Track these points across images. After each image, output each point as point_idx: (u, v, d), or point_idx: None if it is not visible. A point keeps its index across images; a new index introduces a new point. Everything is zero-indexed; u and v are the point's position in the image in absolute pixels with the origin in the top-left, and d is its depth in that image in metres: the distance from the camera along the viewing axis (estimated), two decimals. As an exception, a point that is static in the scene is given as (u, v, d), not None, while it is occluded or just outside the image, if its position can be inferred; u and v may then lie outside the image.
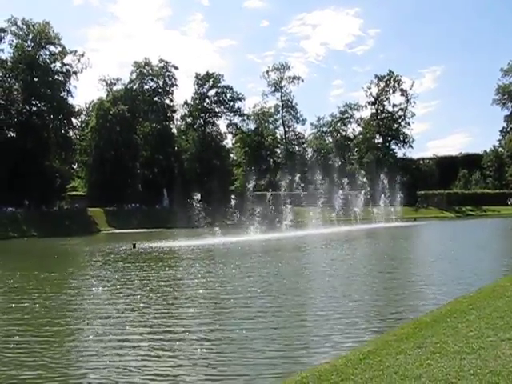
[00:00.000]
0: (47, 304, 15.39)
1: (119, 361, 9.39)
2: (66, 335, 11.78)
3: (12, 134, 79.67)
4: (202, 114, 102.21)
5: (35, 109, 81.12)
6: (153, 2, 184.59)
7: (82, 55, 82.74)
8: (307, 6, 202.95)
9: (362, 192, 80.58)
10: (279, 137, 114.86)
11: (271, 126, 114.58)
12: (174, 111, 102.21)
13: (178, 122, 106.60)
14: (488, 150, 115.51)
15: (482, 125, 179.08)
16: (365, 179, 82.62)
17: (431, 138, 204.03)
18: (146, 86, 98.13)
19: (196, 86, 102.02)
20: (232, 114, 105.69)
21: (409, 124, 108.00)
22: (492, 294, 10.83)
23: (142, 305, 14.81)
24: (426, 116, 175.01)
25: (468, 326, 8.03)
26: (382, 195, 78.04)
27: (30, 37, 78.51)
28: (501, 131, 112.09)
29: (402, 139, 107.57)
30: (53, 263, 29.76)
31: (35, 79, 78.86)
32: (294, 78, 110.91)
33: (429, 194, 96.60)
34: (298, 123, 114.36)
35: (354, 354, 7.45)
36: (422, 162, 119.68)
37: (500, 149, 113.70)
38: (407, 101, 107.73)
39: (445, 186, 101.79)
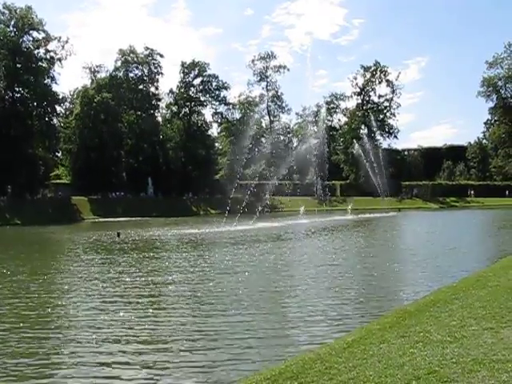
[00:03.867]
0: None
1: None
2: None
3: (-6, 121, 78.76)
4: (188, 103, 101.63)
5: (18, 96, 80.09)
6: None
7: (66, 41, 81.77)
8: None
9: (346, 182, 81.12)
10: (265, 126, 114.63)
11: (256, 116, 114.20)
12: (159, 100, 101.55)
13: (163, 111, 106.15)
14: (472, 142, 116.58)
15: (466, 117, 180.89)
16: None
17: (416, 129, 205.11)
18: (130, 74, 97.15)
19: (181, 75, 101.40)
20: (217, 103, 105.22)
21: (394, 115, 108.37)
22: (475, 283, 10.94)
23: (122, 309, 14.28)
24: (410, 107, 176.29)
25: (451, 315, 8.10)
26: (367, 186, 78.41)
27: (13, 22, 77.19)
28: (485, 123, 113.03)
29: (387, 130, 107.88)
30: (26, 253, 28.82)
31: (18, 65, 77.74)
32: (280, 67, 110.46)
33: (413, 185, 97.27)
34: (283, 113, 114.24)
35: (338, 342, 7.49)
36: (406, 152, 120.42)
37: (484, 141, 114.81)
38: (393, 91, 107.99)
39: (429, 177, 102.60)
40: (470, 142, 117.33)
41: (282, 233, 37.60)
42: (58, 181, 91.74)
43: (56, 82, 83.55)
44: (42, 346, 9.93)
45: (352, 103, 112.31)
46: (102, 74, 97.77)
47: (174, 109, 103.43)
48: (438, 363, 5.86)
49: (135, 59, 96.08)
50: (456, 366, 5.72)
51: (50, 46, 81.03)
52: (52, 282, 17.93)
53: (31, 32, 78.96)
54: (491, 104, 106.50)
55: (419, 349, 6.46)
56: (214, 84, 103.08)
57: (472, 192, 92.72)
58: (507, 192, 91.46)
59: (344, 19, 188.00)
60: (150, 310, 12.78)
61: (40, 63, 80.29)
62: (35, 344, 10.01)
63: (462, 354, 6.12)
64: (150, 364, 8.72)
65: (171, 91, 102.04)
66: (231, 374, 8.03)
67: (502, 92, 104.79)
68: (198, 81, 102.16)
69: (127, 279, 17.50)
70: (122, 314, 12.32)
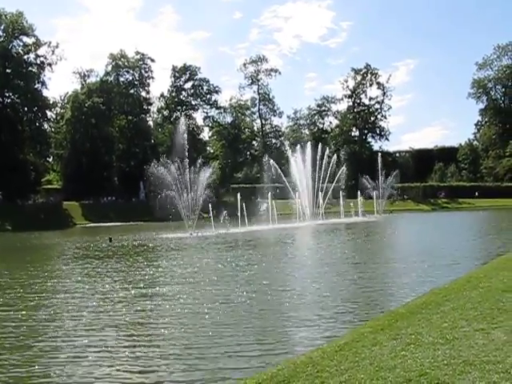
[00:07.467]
0: None
1: None
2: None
3: (-16, 127, 78.47)
4: (179, 107, 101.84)
5: (9, 101, 79.99)
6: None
7: (57, 46, 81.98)
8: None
9: (339, 185, 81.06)
10: (256, 130, 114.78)
11: (248, 119, 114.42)
12: (151, 104, 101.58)
13: (155, 115, 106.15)
14: (463, 144, 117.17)
15: (456, 118, 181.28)
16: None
17: (406, 131, 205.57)
18: (121, 79, 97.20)
19: (172, 79, 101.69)
20: (208, 107, 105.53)
21: (385, 117, 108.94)
22: (466, 285, 10.95)
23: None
24: (400, 109, 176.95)
25: (442, 317, 8.11)
26: (358, 188, 78.45)
27: (2, 27, 77.10)
28: (476, 125, 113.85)
29: (378, 132, 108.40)
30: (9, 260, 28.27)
31: (8, 71, 77.68)
32: (271, 70, 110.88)
33: (405, 187, 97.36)
34: (274, 116, 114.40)
35: (330, 346, 7.47)
36: (398, 154, 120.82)
37: (475, 142, 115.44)
38: (384, 94, 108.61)
39: (421, 178, 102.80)
40: (460, 144, 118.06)
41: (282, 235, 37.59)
42: (49, 186, 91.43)
43: (46, 87, 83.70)
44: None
45: (343, 106, 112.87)
46: (93, 79, 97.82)
47: (166, 113, 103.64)
48: (429, 365, 5.86)
49: (126, 63, 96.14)
50: (447, 368, 5.73)
51: (41, 51, 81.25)
52: (21, 296, 15.36)
53: (21, 37, 78.91)
54: (481, 105, 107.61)
55: (411, 351, 6.46)
56: (205, 88, 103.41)
57: (442, 194, 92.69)
58: (476, 193, 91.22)
59: (332, 22, 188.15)
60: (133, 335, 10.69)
61: (30, 68, 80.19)
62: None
63: (453, 355, 6.13)
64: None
65: (162, 95, 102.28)
66: None
67: (492, 93, 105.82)
68: (189, 85, 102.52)
69: (110, 292, 15.63)
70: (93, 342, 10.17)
